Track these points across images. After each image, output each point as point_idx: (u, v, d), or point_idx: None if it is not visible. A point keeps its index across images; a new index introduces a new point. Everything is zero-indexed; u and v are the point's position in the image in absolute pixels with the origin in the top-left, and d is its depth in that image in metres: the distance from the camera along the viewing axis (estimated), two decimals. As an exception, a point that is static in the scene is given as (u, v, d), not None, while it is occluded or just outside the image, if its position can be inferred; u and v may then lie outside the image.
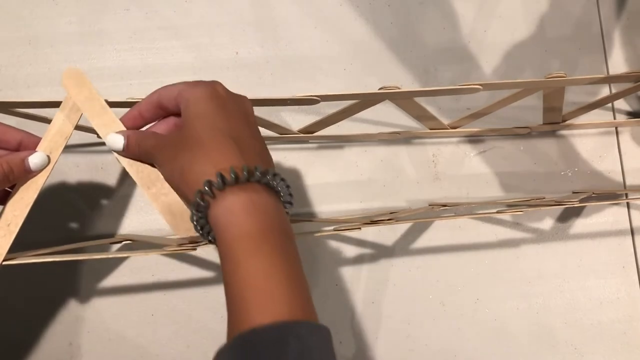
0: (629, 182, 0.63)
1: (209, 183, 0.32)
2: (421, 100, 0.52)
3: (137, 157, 0.39)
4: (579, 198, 0.53)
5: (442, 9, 0.63)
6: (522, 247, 0.60)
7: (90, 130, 0.46)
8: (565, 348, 0.60)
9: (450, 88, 0.47)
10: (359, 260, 0.58)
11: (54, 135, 0.40)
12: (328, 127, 0.55)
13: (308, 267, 0.57)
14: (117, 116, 0.39)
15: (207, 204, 0.33)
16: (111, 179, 0.55)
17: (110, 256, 0.48)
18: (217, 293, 0.55)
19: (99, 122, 0.39)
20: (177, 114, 0.38)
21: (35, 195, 0.39)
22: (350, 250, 0.58)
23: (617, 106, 0.64)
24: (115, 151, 0.39)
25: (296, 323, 0.30)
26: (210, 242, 0.35)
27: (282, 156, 0.58)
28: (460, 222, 0.60)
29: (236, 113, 0.36)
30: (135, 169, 0.39)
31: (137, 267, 0.55)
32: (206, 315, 0.55)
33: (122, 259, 0.54)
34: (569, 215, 0.61)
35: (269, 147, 0.57)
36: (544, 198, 0.59)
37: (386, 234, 0.59)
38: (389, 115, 0.59)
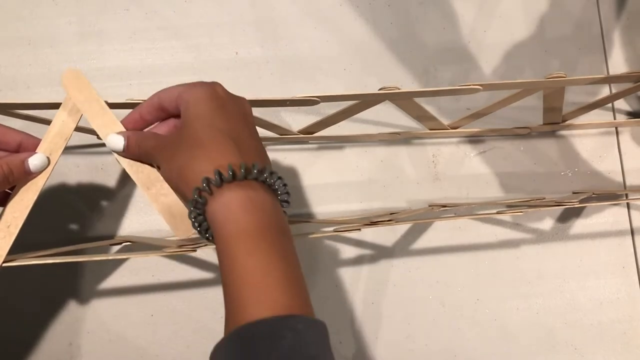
0: (629, 182, 0.63)
1: (207, 180, 0.33)
2: (421, 101, 0.52)
3: (137, 157, 0.39)
4: (579, 198, 0.53)
5: (442, 9, 0.63)
6: (522, 248, 0.60)
7: (90, 131, 0.47)
8: (565, 348, 0.60)
9: (450, 88, 0.47)
10: (358, 260, 0.58)
11: (53, 136, 0.40)
12: (328, 128, 0.55)
13: (308, 267, 0.57)
14: (117, 118, 0.39)
15: (204, 201, 0.33)
16: (111, 180, 0.55)
17: (110, 258, 0.48)
18: (217, 293, 0.55)
19: (98, 123, 0.39)
20: (177, 116, 0.38)
21: (35, 197, 0.39)
22: (350, 251, 0.58)
23: (617, 106, 0.64)
24: (115, 152, 0.39)
25: (292, 317, 0.30)
26: (208, 240, 0.35)
27: (282, 156, 0.58)
28: (460, 222, 0.60)
29: (235, 113, 0.37)
30: (135, 169, 0.39)
31: (137, 268, 0.55)
32: (206, 315, 0.55)
33: (122, 260, 0.54)
34: (569, 215, 0.61)
35: (269, 147, 0.58)
36: (544, 198, 0.60)
37: (386, 235, 0.59)
38: (389, 116, 0.59)
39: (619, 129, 0.63)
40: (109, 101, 0.40)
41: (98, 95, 0.39)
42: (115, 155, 0.39)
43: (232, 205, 0.33)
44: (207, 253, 0.55)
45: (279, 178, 0.35)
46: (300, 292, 0.32)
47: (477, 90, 0.46)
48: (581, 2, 0.65)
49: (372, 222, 0.50)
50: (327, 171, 0.59)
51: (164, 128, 0.39)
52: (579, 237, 0.61)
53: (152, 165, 0.39)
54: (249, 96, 0.39)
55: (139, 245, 0.53)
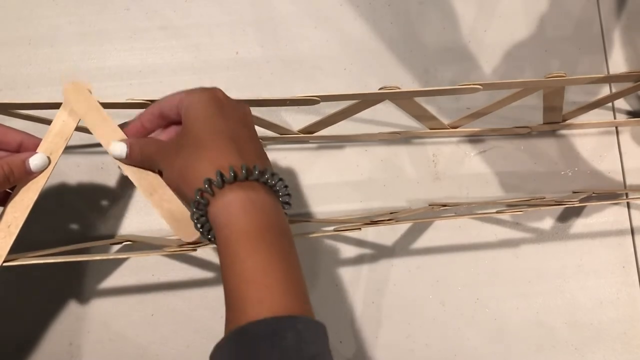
0: (629, 181, 0.63)
1: (209, 181, 0.33)
2: (421, 100, 0.52)
3: (139, 163, 0.39)
4: (579, 198, 0.53)
5: (442, 9, 0.63)
6: (522, 247, 0.60)
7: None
8: (565, 348, 0.60)
9: (450, 88, 0.47)
10: (359, 260, 0.58)
11: (54, 136, 0.40)
12: (328, 127, 0.55)
13: (308, 267, 0.57)
14: (118, 118, 0.39)
15: (206, 202, 0.34)
16: (111, 180, 0.55)
17: (111, 257, 0.48)
18: (217, 293, 0.55)
19: (101, 133, 0.39)
20: (178, 123, 0.38)
21: (35, 197, 0.39)
22: (350, 251, 0.58)
23: (617, 106, 0.64)
24: (117, 159, 0.39)
25: (293, 318, 0.31)
26: (210, 240, 0.35)
27: (282, 156, 0.58)
28: (460, 222, 0.60)
29: (235, 116, 0.37)
30: (138, 176, 0.39)
31: (137, 268, 0.55)
32: (206, 315, 0.55)
33: (123, 260, 0.54)
34: (569, 215, 0.61)
35: (269, 147, 0.58)
36: (544, 198, 0.60)
37: (386, 234, 0.59)
38: (389, 115, 0.60)
39: (619, 128, 0.63)
40: (109, 101, 0.41)
41: (100, 105, 0.40)
42: (118, 162, 0.39)
43: (233, 206, 0.33)
44: (208, 252, 0.55)
45: (280, 180, 0.35)
46: (300, 292, 0.32)
47: (477, 90, 0.46)
48: (581, 1, 0.65)
49: (373, 221, 0.50)
50: (328, 171, 0.59)
51: (165, 136, 0.40)
52: (579, 236, 0.61)
53: (154, 171, 0.39)
54: (249, 96, 0.39)
55: (139, 245, 0.53)
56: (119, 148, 0.38)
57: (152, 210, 0.55)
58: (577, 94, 0.62)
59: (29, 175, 0.39)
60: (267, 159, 0.38)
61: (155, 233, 0.55)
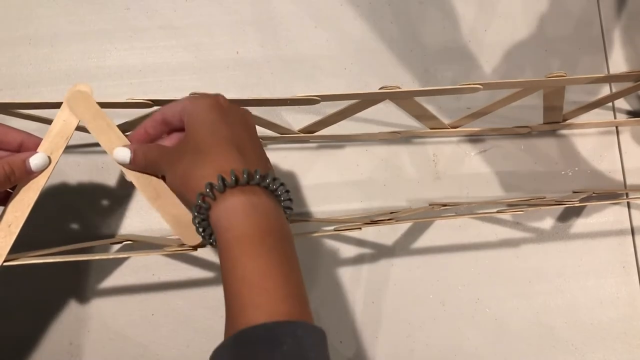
0: (629, 181, 0.63)
1: (210, 185, 0.33)
2: (421, 100, 0.52)
3: (143, 169, 0.39)
4: (579, 198, 0.53)
5: (442, 9, 0.63)
6: (522, 247, 0.60)
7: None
8: (566, 348, 0.60)
9: (450, 88, 0.47)
10: (359, 260, 0.58)
11: (54, 136, 0.40)
12: (328, 127, 0.55)
13: (308, 267, 0.57)
14: (118, 122, 0.40)
15: (208, 206, 0.34)
16: (112, 179, 0.55)
17: (111, 257, 0.48)
18: (217, 293, 0.55)
19: (104, 139, 0.39)
20: (181, 130, 0.39)
21: (36, 196, 0.39)
22: (350, 250, 0.58)
23: (617, 105, 0.64)
24: (122, 164, 0.39)
25: (292, 323, 0.31)
26: (212, 245, 0.35)
27: (283, 156, 0.58)
28: (461, 221, 0.60)
29: (237, 122, 0.38)
30: (142, 182, 0.40)
31: (138, 267, 0.55)
32: (206, 315, 0.55)
33: (123, 259, 0.54)
34: (569, 214, 0.61)
35: (269, 147, 0.58)
36: (545, 197, 0.60)
37: (386, 234, 0.59)
38: (389, 115, 0.60)
39: (620, 128, 0.64)
40: (109, 101, 0.41)
41: (104, 112, 0.40)
42: (122, 168, 0.40)
43: (234, 210, 0.33)
44: (208, 252, 0.55)
45: (282, 184, 0.36)
46: (300, 298, 0.33)
47: (477, 90, 0.46)
48: (581, 1, 0.65)
49: (373, 221, 0.50)
50: (328, 170, 0.59)
51: (168, 142, 0.40)
52: (579, 236, 0.61)
53: (157, 177, 0.40)
54: (249, 96, 0.39)
55: (139, 244, 0.53)
56: (123, 153, 0.39)
57: (152, 210, 0.55)
58: (577, 94, 0.62)
59: (29, 174, 0.39)
60: (269, 163, 0.38)
61: (155, 233, 0.55)
